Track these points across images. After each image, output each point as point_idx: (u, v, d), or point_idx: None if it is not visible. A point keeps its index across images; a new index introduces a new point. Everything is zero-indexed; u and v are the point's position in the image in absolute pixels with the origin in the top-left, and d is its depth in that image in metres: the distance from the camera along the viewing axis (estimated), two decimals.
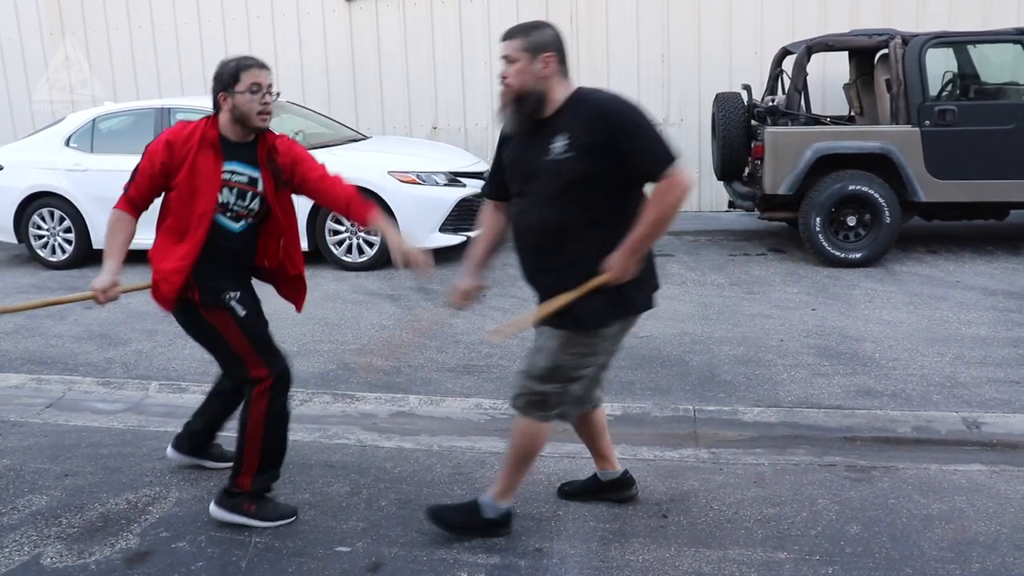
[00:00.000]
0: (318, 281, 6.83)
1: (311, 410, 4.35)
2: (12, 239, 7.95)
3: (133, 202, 3.07)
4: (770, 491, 3.31)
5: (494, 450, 3.70)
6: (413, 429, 4.09)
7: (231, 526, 3.16)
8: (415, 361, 4.96)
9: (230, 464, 3.31)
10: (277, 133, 3.22)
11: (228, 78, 3.01)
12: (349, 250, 7.20)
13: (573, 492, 3.32)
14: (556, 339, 2.76)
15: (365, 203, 3.16)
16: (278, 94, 3.13)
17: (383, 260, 7.13)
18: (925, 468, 3.47)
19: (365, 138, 8.50)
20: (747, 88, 7.69)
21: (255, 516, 3.18)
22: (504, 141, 2.90)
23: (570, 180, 2.66)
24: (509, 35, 2.72)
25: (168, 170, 3.02)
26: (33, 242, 7.84)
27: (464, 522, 3.02)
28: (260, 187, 3.13)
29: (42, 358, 5.31)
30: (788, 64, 7.29)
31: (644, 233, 2.64)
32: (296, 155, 3.18)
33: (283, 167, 3.14)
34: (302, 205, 6.83)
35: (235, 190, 3.09)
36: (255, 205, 3.14)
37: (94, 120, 7.86)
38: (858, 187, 6.58)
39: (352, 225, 7.06)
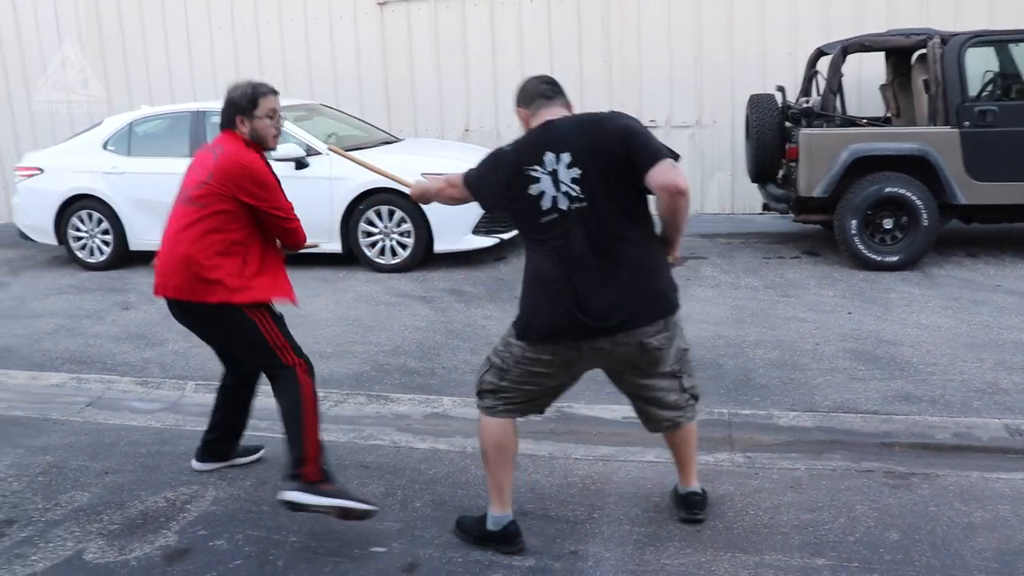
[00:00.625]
0: (351, 283, 6.89)
1: (345, 411, 4.39)
2: (52, 241, 8.10)
3: None
4: (807, 496, 3.28)
5: (526, 452, 3.69)
6: (447, 431, 4.10)
7: (268, 526, 3.20)
8: (449, 363, 4.97)
9: (258, 456, 3.71)
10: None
11: (247, 104, 3.22)
12: (382, 252, 7.23)
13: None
14: None
15: None
16: (283, 117, 3.43)
17: (416, 262, 7.16)
18: (966, 476, 3.41)
19: (398, 140, 8.55)
20: (781, 89, 7.62)
21: (341, 496, 3.07)
22: None
23: None
24: None
25: None
26: (72, 244, 7.99)
27: (472, 528, 3.04)
28: None
29: (82, 357, 5.41)
30: (823, 65, 7.20)
31: None
32: None
33: None
34: (334, 207, 6.98)
35: None
36: None
37: (131, 124, 7.98)
38: (895, 189, 6.49)
39: (385, 227, 7.12)
